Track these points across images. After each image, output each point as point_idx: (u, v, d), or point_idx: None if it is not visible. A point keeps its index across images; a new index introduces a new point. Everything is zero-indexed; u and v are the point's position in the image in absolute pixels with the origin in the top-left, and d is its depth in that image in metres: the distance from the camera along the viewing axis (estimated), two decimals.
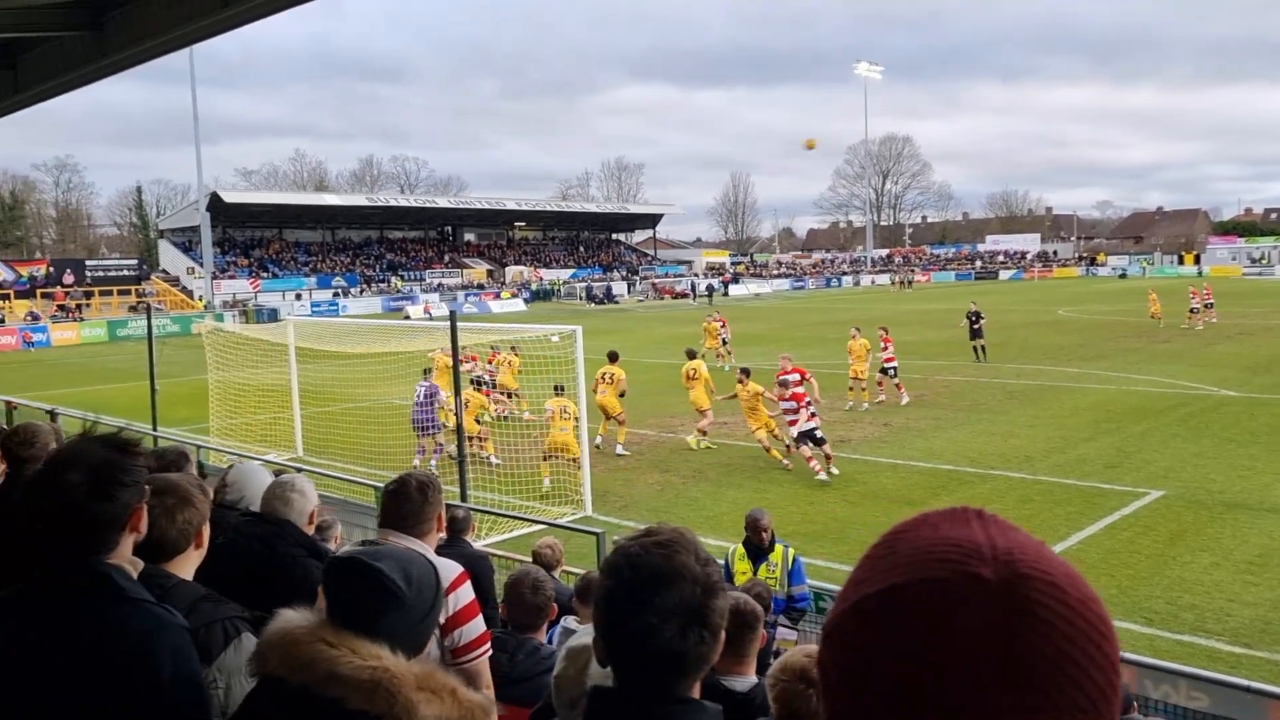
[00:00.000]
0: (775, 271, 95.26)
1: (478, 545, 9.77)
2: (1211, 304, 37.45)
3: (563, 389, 15.09)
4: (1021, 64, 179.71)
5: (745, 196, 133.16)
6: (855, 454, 16.42)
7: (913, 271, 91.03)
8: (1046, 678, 0.70)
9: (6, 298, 55.77)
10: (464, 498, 11.36)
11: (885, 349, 21.44)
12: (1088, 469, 14.79)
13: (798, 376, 15.90)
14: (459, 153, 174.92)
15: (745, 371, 16.56)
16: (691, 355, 18.73)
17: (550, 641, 4.42)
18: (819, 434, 14.85)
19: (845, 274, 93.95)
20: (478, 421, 16.62)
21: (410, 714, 1.83)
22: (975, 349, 28.10)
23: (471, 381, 20.04)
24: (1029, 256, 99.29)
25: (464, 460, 11.86)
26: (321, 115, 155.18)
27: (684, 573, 1.66)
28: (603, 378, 17.11)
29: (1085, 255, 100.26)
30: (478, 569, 4.62)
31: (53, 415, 13.91)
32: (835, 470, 14.76)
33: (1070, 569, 0.76)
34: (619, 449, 17.00)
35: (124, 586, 2.22)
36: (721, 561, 7.70)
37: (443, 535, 4.04)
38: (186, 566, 2.81)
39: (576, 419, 14.13)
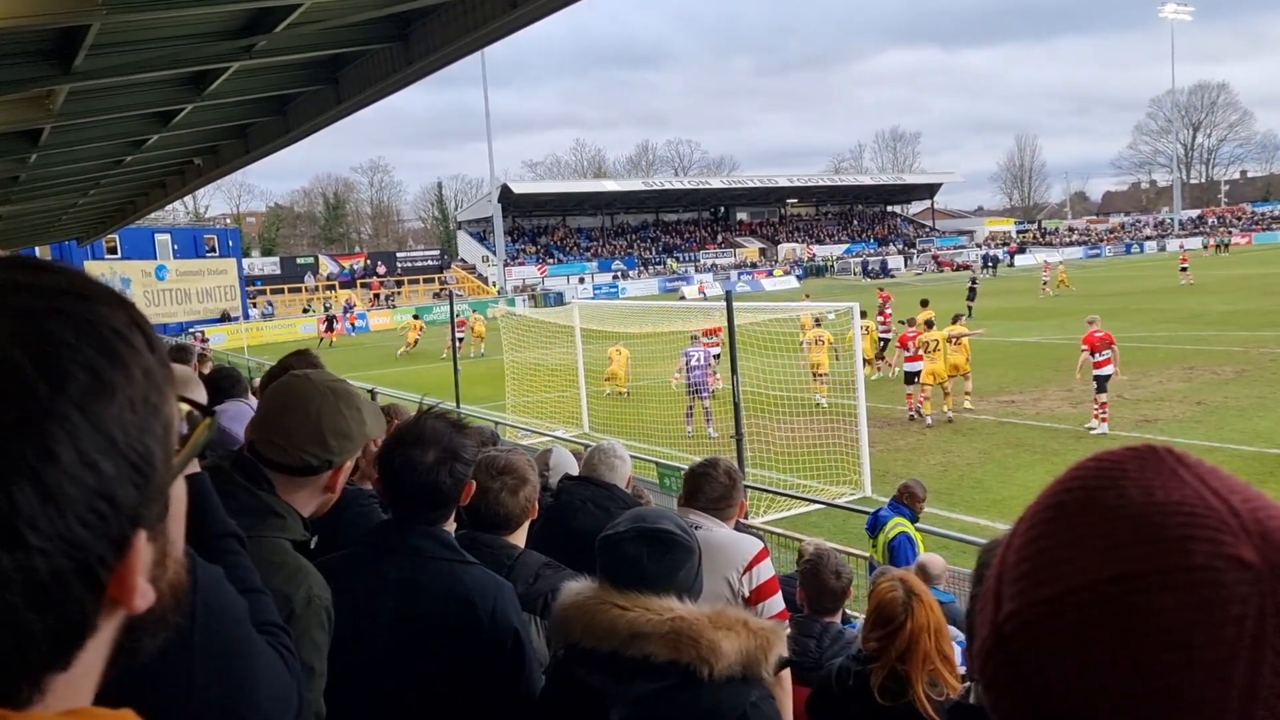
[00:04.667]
0: (1067, 239, 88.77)
1: (755, 522, 9.89)
2: None
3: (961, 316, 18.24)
4: None
5: (1032, 160, 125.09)
6: (1163, 435, 15.03)
7: (1230, 233, 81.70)
8: None
9: (332, 288, 62.37)
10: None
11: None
12: None
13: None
14: (723, 132, 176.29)
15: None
16: (955, 320, 18.82)
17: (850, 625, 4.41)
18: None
19: (1149, 239, 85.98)
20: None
21: (715, 653, 1.94)
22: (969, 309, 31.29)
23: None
24: None
25: (741, 437, 11.96)
26: (587, 105, 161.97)
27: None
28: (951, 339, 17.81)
29: None
30: None
31: (372, 394, 15.40)
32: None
33: None
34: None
35: (463, 551, 2.46)
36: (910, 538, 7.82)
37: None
38: (522, 536, 3.06)
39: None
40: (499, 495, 2.93)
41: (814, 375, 18.63)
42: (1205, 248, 75.69)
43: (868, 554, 8.05)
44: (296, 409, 2.11)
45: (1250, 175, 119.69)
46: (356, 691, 2.37)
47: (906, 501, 8.01)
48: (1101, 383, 15.66)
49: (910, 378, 18.05)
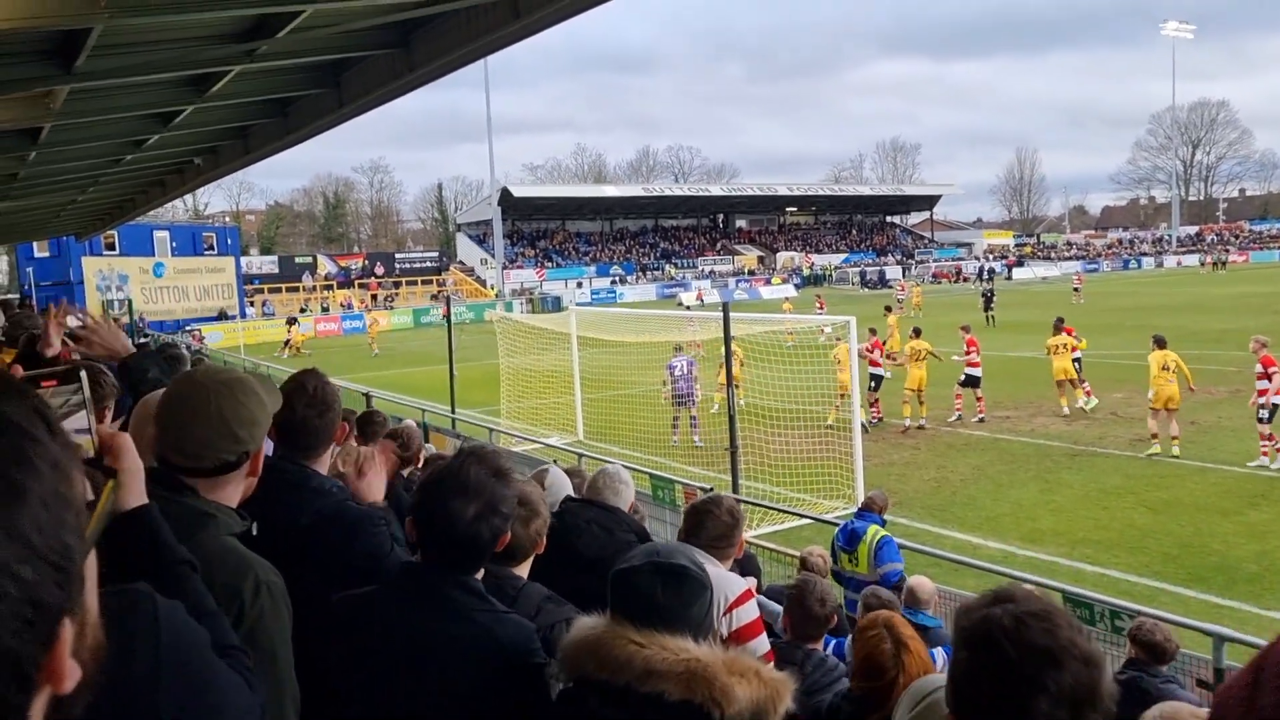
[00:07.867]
0: (1065, 253, 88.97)
1: (748, 536, 9.87)
2: None
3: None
4: None
5: (1031, 173, 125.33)
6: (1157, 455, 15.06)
7: (1227, 250, 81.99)
8: None
9: (330, 288, 62.28)
10: (735, 488, 11.46)
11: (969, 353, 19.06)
12: None
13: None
14: (721, 139, 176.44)
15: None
16: (1161, 344, 17.14)
17: (830, 652, 4.38)
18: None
19: (1146, 255, 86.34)
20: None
21: (728, 697, 1.91)
22: (988, 318, 36.06)
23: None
24: None
25: (736, 449, 11.95)
26: (581, 108, 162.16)
27: (1071, 650, 1.59)
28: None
29: None
30: (746, 569, 4.68)
31: (368, 398, 15.38)
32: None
33: None
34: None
35: (494, 602, 2.40)
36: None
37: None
38: (525, 568, 3.03)
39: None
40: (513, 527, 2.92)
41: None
42: (1203, 265, 75.89)
43: (847, 569, 7.96)
44: (198, 414, 2.09)
45: (1249, 193, 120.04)
46: None
47: (876, 511, 8.16)
48: (1273, 411, 14.42)
49: (973, 381, 18.79)
